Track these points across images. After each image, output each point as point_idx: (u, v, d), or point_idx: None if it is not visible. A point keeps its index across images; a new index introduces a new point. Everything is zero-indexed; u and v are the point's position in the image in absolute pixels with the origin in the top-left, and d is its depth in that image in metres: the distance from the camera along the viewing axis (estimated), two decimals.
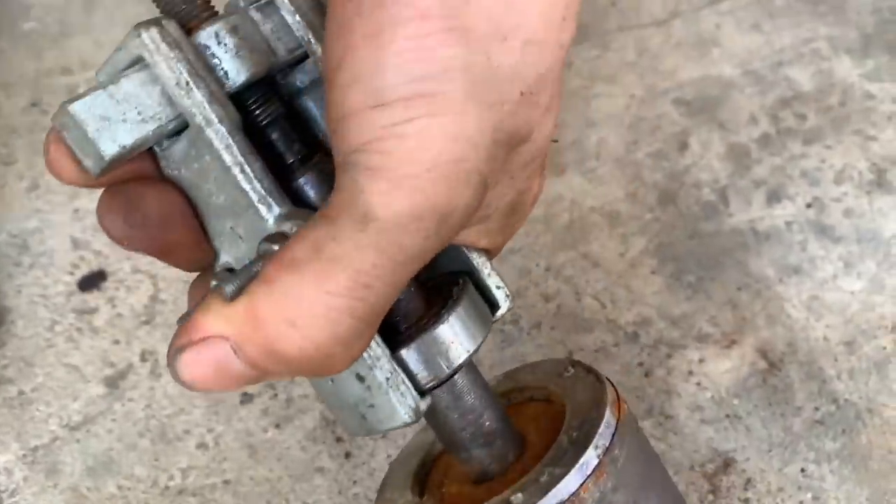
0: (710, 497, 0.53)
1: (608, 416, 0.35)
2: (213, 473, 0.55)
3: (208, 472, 0.55)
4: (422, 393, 0.32)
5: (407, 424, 0.32)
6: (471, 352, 0.33)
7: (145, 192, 0.32)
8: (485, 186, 0.29)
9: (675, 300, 0.60)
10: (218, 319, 0.28)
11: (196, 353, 0.28)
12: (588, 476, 0.34)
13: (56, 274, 0.63)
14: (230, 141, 0.30)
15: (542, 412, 0.39)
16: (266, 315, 0.27)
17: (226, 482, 0.54)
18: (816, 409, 0.56)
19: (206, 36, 0.31)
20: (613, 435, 0.35)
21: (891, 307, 0.59)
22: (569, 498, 0.33)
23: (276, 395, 0.57)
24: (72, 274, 0.63)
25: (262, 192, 0.30)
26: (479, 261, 0.35)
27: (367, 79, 0.27)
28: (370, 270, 0.27)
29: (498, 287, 0.36)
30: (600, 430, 0.35)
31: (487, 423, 0.35)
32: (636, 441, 0.37)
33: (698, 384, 0.57)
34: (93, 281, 0.63)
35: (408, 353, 0.32)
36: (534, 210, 0.65)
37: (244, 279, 0.29)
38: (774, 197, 0.65)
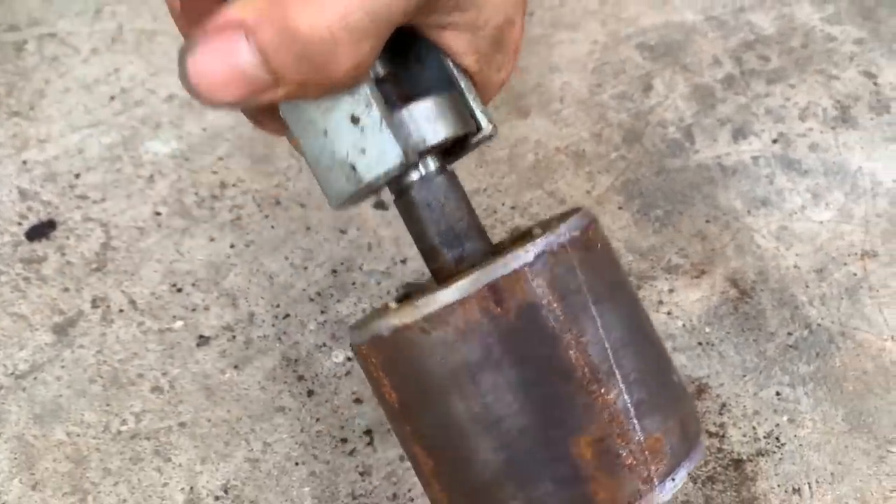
0: None
1: (576, 220, 0.34)
2: (168, 416, 0.52)
3: (163, 416, 0.52)
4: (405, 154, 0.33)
5: (397, 169, 0.32)
6: (449, 135, 0.34)
7: None
8: None
9: (643, 234, 0.59)
10: (237, 6, 0.29)
11: (205, 48, 0.29)
12: (544, 253, 0.32)
13: (1, 225, 0.60)
14: None
15: (523, 236, 0.38)
16: None
17: (181, 424, 0.52)
18: (790, 334, 0.54)
19: None
20: (583, 231, 0.34)
21: (860, 235, 0.59)
22: (520, 268, 0.32)
23: (234, 336, 0.55)
24: (20, 224, 0.60)
25: None
26: (465, 83, 0.36)
27: None
28: None
29: (482, 112, 0.36)
30: (567, 222, 0.34)
31: (460, 223, 0.35)
32: (596, 266, 0.35)
33: (669, 313, 0.55)
34: (41, 230, 0.60)
35: (399, 114, 0.33)
36: (498, 151, 0.64)
37: None
38: (740, 133, 0.64)
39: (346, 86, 0.31)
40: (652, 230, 0.59)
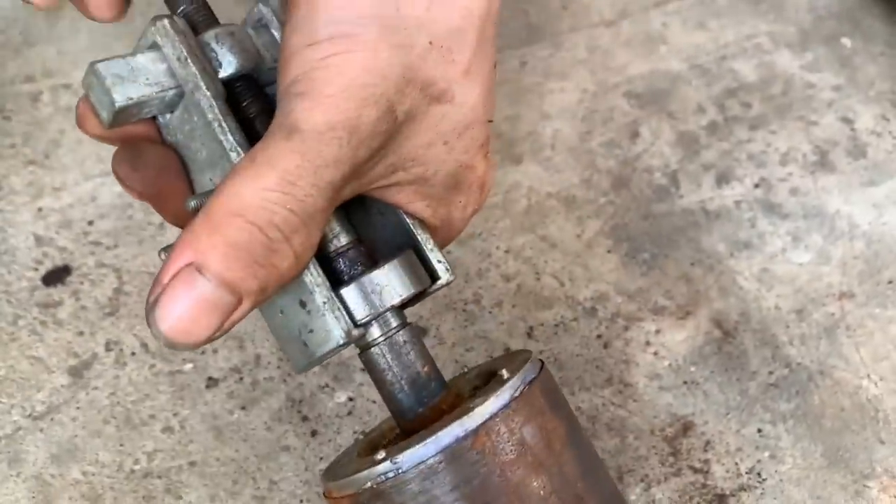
0: (671, 459, 0.54)
1: (527, 369, 0.37)
2: (179, 456, 0.55)
3: (174, 455, 0.55)
4: (356, 324, 0.37)
5: (340, 346, 0.36)
6: (403, 297, 0.38)
7: (149, 148, 0.38)
8: (393, 115, 0.34)
9: (631, 276, 0.62)
10: (179, 249, 0.32)
11: (167, 297, 0.32)
12: (500, 409, 0.35)
13: (19, 270, 0.63)
14: (213, 103, 0.37)
15: (482, 379, 0.41)
16: (216, 215, 0.32)
17: (192, 464, 0.54)
18: (770, 373, 0.57)
19: (208, 36, 0.38)
20: (531, 383, 0.36)
21: (837, 276, 0.62)
22: (481, 425, 0.34)
23: (241, 378, 0.58)
24: (35, 270, 0.63)
25: (234, 143, 0.36)
26: (422, 236, 0.39)
27: (304, 25, 0.33)
28: (294, 171, 0.32)
29: (439, 261, 0.39)
30: (517, 375, 0.37)
31: (422, 372, 0.38)
32: (555, 404, 0.38)
33: (655, 353, 0.58)
34: (57, 276, 0.63)
35: (347, 291, 0.37)
36: (492, 197, 0.67)
37: (206, 198, 0.34)
38: (723, 179, 0.67)
39: (296, 275, 0.34)
40: (639, 273, 0.62)
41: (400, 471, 0.34)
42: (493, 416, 0.35)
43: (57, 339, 0.60)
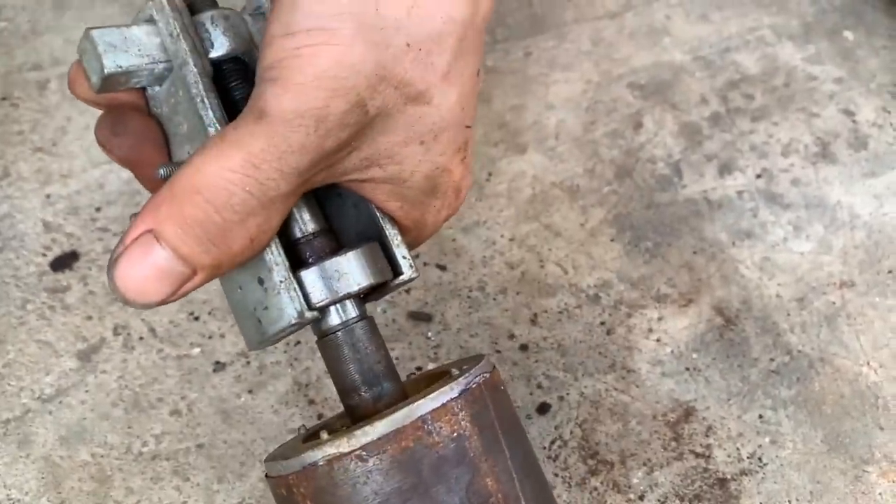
0: (674, 444, 0.55)
1: (476, 370, 0.38)
2: (187, 438, 0.55)
3: (182, 438, 0.55)
4: (311, 308, 0.37)
5: (292, 326, 0.36)
6: (361, 285, 0.37)
7: (133, 116, 0.39)
8: (364, 108, 0.34)
9: (634, 265, 0.62)
10: (143, 214, 0.33)
11: (126, 258, 0.33)
12: (444, 404, 0.35)
13: (27, 256, 0.64)
14: (198, 79, 0.37)
15: (434, 379, 0.41)
16: (178, 187, 0.33)
17: (199, 446, 0.55)
18: (772, 360, 0.58)
19: (203, 16, 0.39)
20: (479, 383, 0.37)
21: (838, 266, 0.62)
22: (422, 417, 0.35)
23: (248, 362, 0.58)
24: (44, 255, 0.64)
25: (213, 119, 0.37)
26: (390, 231, 0.39)
27: (284, 16, 0.34)
28: (259, 154, 0.33)
29: (404, 257, 0.39)
30: (479, 365, 0.38)
31: (377, 365, 0.39)
32: (502, 406, 0.39)
33: (658, 340, 0.59)
34: (65, 261, 0.64)
35: (306, 273, 0.37)
36: (497, 186, 0.67)
37: (176, 167, 0.35)
38: (726, 169, 0.68)
39: (252, 256, 0.35)
40: (642, 261, 0.63)
41: (334, 456, 0.35)
42: (434, 411, 0.35)
43: (65, 323, 0.60)
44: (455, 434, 0.35)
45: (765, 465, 0.54)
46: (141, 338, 0.59)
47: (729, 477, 0.53)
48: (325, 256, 0.38)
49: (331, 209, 0.41)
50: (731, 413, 0.55)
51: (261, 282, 0.36)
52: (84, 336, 0.60)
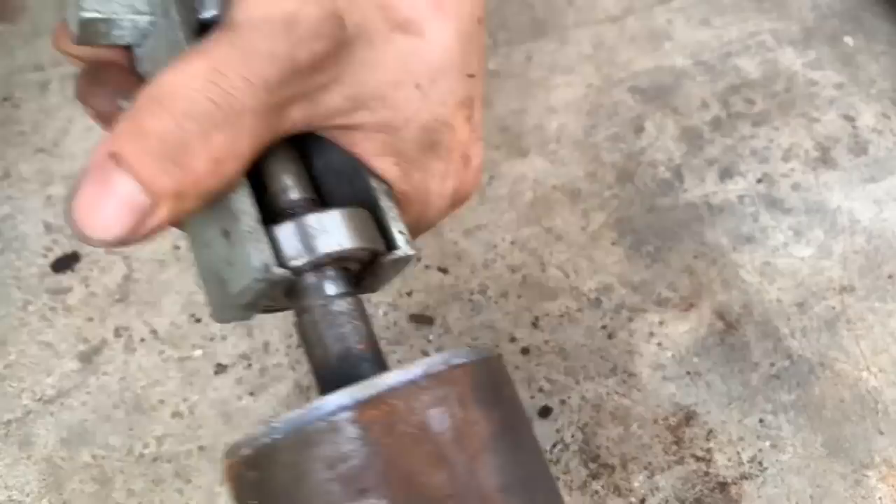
0: (675, 447, 0.55)
1: (457, 353, 0.31)
2: (188, 440, 0.55)
3: (183, 440, 0.55)
4: (283, 265, 0.31)
5: (258, 283, 0.31)
6: (345, 247, 0.32)
7: (114, 71, 0.36)
8: (340, 21, 0.32)
9: (635, 269, 0.63)
10: (107, 139, 0.30)
11: (83, 185, 0.29)
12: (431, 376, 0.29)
13: (29, 257, 0.64)
14: (181, 33, 0.34)
15: None
16: (139, 101, 0.30)
17: (201, 448, 0.55)
18: (772, 364, 0.58)
19: None
20: (459, 367, 0.31)
21: (838, 271, 0.62)
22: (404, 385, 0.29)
23: (249, 364, 0.58)
24: (45, 256, 0.64)
25: None
26: (386, 204, 0.34)
27: None
28: (224, 59, 0.30)
29: (400, 232, 0.34)
30: (458, 353, 0.31)
31: (357, 347, 0.33)
32: (501, 395, 0.32)
33: (659, 344, 0.59)
34: (66, 262, 0.64)
35: (280, 228, 0.32)
36: (498, 189, 0.67)
37: None
38: (727, 174, 0.68)
39: (218, 187, 0.30)
40: (643, 265, 0.63)
41: (275, 437, 0.29)
42: (391, 389, 0.29)
43: (66, 324, 0.60)
44: (410, 423, 0.29)
45: (765, 469, 0.54)
46: (142, 339, 0.59)
47: (729, 481, 0.53)
48: (303, 212, 0.33)
49: (326, 191, 0.36)
50: (731, 417, 0.56)
51: (226, 234, 0.32)
52: (85, 337, 0.60)
